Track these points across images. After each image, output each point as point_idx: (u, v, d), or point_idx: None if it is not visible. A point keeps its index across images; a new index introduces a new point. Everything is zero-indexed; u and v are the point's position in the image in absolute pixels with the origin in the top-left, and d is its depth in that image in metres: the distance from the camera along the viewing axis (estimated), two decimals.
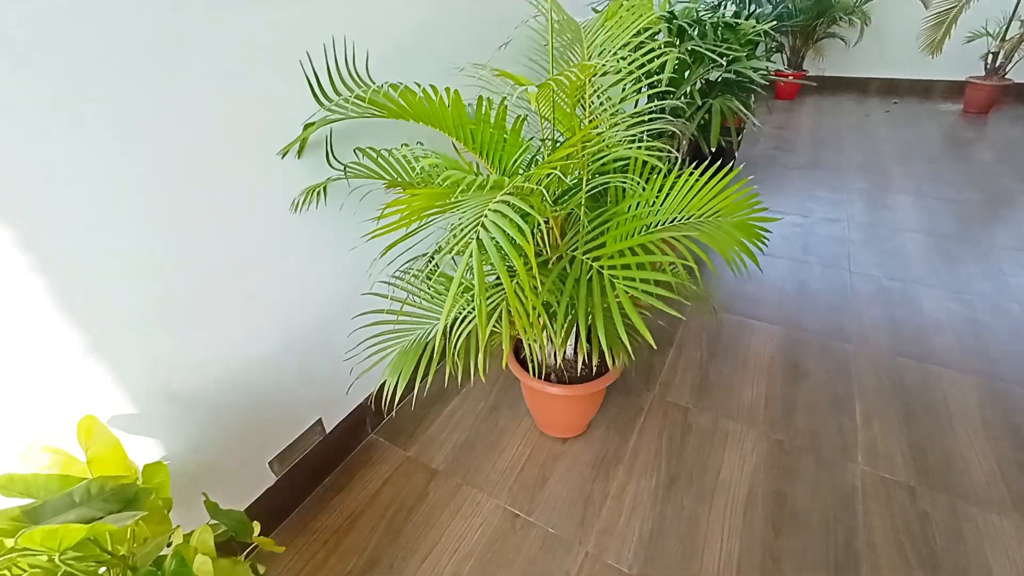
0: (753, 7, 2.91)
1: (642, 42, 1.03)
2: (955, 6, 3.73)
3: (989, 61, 3.99)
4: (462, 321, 0.94)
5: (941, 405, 1.44)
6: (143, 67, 0.74)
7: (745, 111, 1.54)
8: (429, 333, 1.02)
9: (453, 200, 0.68)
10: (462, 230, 0.61)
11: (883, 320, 1.80)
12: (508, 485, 1.26)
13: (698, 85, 1.77)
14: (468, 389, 1.58)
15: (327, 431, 1.21)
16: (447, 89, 0.90)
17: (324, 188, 1.02)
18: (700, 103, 1.58)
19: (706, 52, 1.51)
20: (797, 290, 2.00)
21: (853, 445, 1.34)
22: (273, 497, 1.09)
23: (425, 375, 0.95)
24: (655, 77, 1.62)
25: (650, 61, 1.03)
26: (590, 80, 1.02)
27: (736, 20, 1.75)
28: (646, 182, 1.02)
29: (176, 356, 0.85)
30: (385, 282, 1.23)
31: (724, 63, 1.61)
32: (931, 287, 1.97)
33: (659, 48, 1.06)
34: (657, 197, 0.99)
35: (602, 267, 0.91)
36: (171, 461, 0.86)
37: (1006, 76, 3.98)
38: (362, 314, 1.21)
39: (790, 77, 4.81)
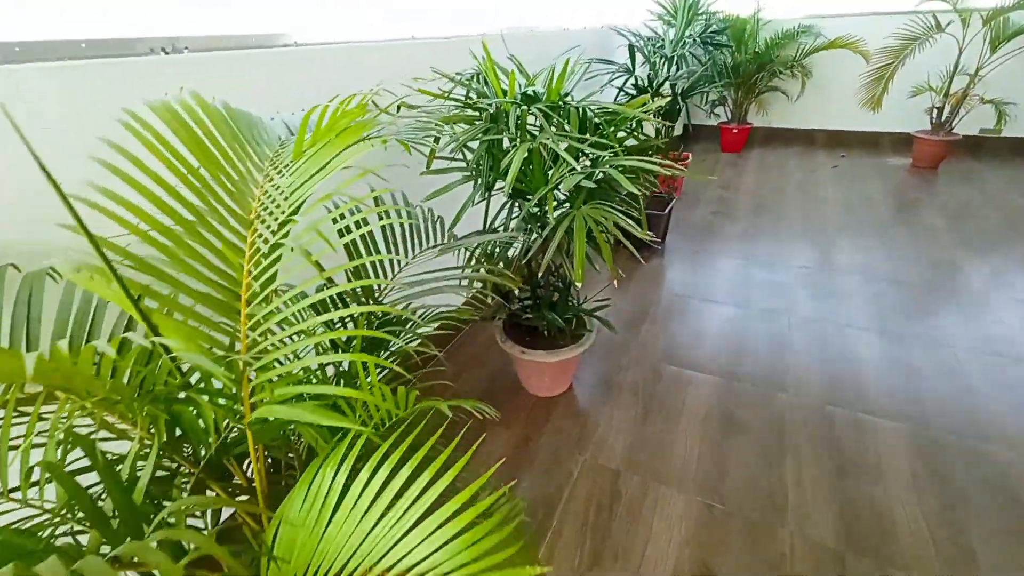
0: (675, 69, 2.61)
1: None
2: (891, 63, 3.54)
3: (934, 116, 3.80)
4: None
5: None
6: None
7: (623, 221, 1.13)
8: None
9: None
10: None
11: (825, 483, 1.36)
12: None
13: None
14: None
15: None
16: None
17: None
18: (555, 219, 1.17)
19: (561, 150, 1.11)
20: (720, 430, 1.56)
21: None
22: None
23: None
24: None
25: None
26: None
27: (624, 98, 1.37)
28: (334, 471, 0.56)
29: None
30: None
31: (589, 162, 1.21)
32: (882, 418, 1.55)
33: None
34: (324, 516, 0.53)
35: None
36: None
37: (953, 131, 3.79)
38: None
39: (734, 130, 4.60)
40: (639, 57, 2.46)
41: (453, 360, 1.96)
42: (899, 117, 4.28)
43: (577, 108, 1.26)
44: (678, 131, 5.03)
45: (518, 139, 1.22)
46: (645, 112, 1.28)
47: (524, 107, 1.21)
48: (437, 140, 1.29)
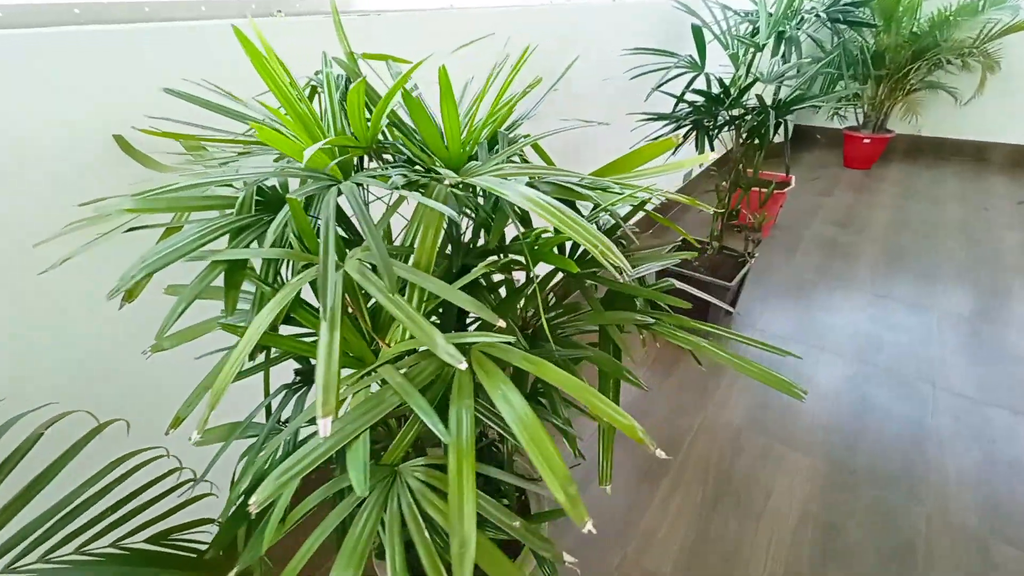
0: (779, 62, 1.70)
1: None
2: None
3: None
4: None
5: None
6: None
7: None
8: None
9: None
10: None
11: None
12: None
13: None
14: None
15: None
16: None
17: None
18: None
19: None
20: None
21: None
22: None
23: None
24: None
25: None
26: None
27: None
28: None
29: None
30: None
31: None
32: None
33: None
34: None
35: None
36: None
37: None
38: None
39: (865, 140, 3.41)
40: (718, 44, 1.59)
41: None
42: None
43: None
44: (780, 136, 3.92)
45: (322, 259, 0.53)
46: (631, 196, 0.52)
47: (329, 183, 0.51)
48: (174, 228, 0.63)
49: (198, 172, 0.63)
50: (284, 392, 0.62)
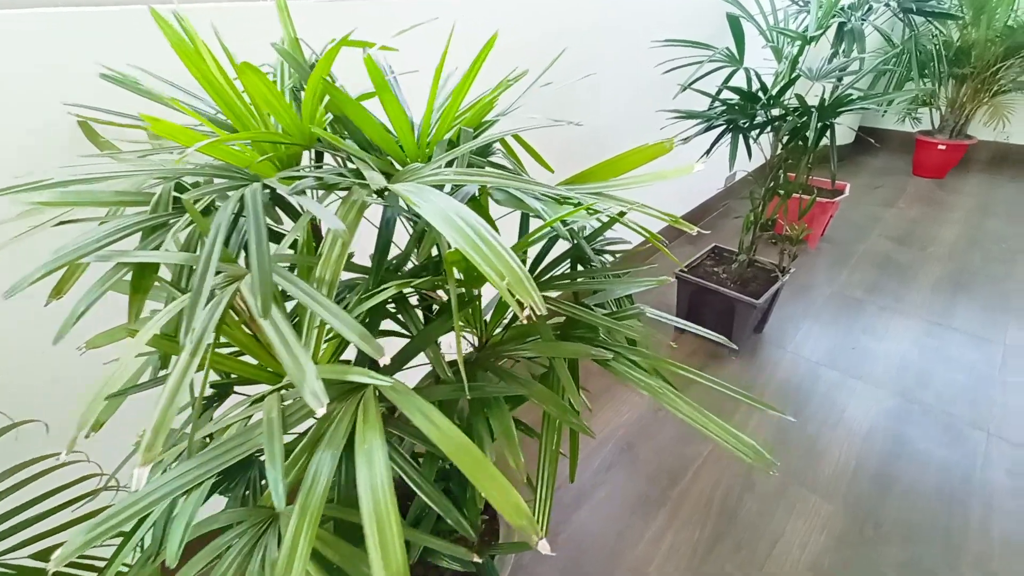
0: (832, 56, 1.52)
1: None
2: None
3: None
4: None
5: None
6: None
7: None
8: None
9: None
10: None
11: None
12: None
13: None
14: None
15: None
16: None
17: None
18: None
19: None
20: None
21: None
22: None
23: None
24: None
25: None
26: None
27: None
28: None
29: None
30: None
31: None
32: None
33: None
34: None
35: None
36: None
37: None
38: None
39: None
40: (759, 37, 1.43)
41: None
42: None
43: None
44: (846, 138, 3.60)
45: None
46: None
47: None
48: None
49: (132, 164, 0.60)
50: (194, 406, 0.58)
